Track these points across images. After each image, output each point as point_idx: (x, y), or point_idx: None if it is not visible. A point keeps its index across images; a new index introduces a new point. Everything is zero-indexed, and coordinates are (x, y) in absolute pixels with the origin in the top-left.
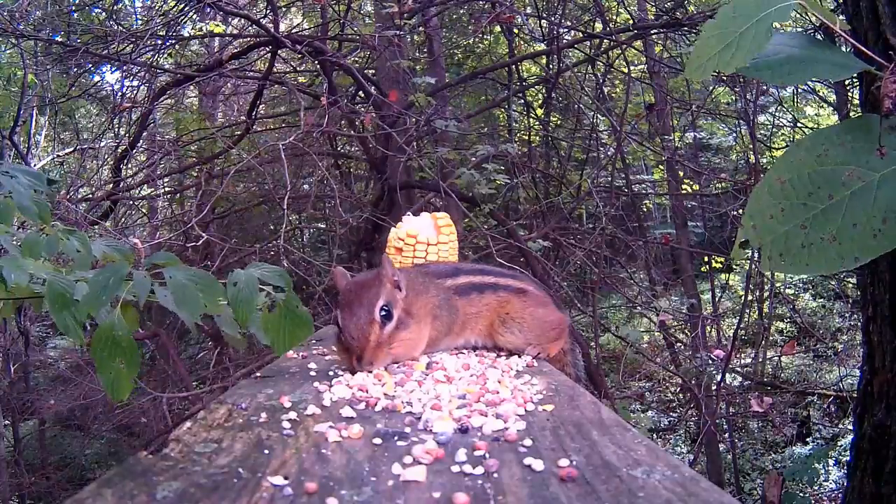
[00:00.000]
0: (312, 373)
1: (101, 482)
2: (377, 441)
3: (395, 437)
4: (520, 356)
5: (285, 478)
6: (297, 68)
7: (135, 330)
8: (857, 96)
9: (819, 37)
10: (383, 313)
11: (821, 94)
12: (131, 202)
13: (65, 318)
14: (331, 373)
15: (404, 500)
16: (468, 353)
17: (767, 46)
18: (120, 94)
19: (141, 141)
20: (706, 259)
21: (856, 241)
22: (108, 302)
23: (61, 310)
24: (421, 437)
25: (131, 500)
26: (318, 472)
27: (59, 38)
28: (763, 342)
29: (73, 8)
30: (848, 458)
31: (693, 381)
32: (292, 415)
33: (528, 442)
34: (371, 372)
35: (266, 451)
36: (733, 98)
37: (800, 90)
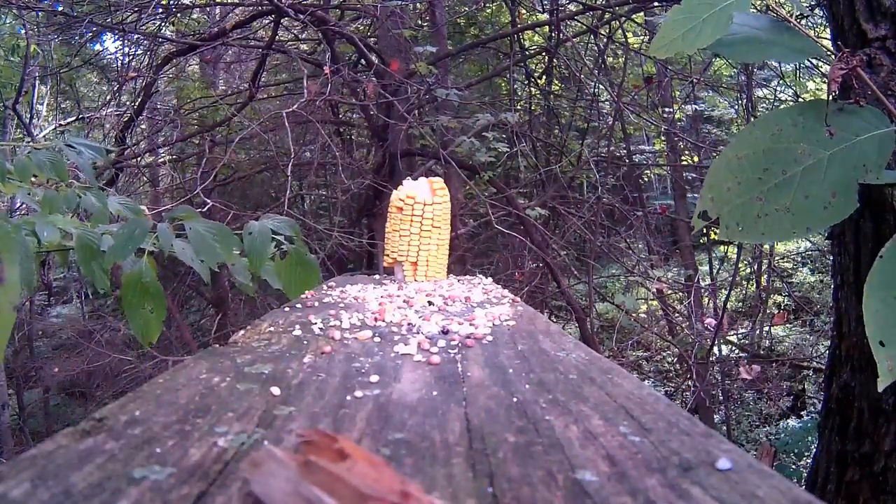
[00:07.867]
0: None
1: (193, 358)
2: (379, 339)
3: (394, 335)
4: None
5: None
6: (300, 37)
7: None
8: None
9: (794, 22)
10: None
11: (822, 70)
12: (137, 169)
13: (93, 267)
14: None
15: (401, 361)
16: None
17: (728, 31)
18: (125, 61)
19: (144, 110)
20: (704, 231)
21: (807, 213)
22: (133, 252)
23: (89, 260)
24: (413, 333)
25: (220, 364)
26: (341, 350)
27: (60, 9)
28: (760, 315)
29: None
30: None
31: (690, 351)
32: (320, 325)
33: (490, 338)
34: None
35: (305, 342)
36: (735, 71)
37: (801, 66)
